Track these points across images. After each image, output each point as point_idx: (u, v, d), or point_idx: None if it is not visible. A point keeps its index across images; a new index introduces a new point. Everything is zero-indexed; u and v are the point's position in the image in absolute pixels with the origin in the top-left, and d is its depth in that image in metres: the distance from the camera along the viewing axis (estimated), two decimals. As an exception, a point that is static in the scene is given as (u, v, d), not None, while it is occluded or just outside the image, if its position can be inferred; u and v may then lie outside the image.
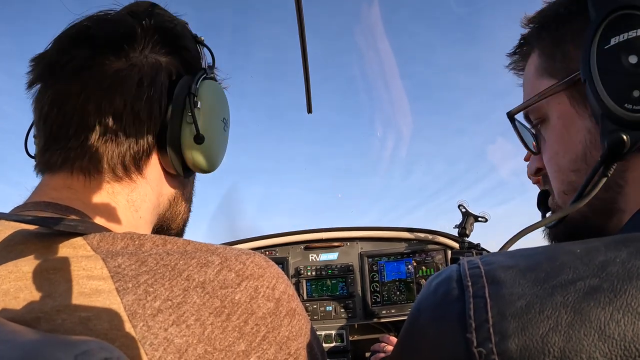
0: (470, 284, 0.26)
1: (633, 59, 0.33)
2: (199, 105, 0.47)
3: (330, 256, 1.61)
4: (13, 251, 0.33)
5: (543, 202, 0.50)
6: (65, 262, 0.32)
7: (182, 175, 0.49)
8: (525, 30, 0.47)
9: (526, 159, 0.53)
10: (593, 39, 0.35)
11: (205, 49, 0.52)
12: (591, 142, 0.39)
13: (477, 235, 1.44)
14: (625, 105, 0.33)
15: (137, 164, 0.44)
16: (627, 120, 0.33)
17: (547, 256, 0.27)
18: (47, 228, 0.34)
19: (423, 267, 1.57)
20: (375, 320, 1.55)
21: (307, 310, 1.54)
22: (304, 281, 1.58)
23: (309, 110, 1.28)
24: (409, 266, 1.57)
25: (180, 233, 0.56)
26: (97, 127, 0.42)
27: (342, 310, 1.55)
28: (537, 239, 0.49)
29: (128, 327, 0.29)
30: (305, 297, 1.56)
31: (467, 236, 1.41)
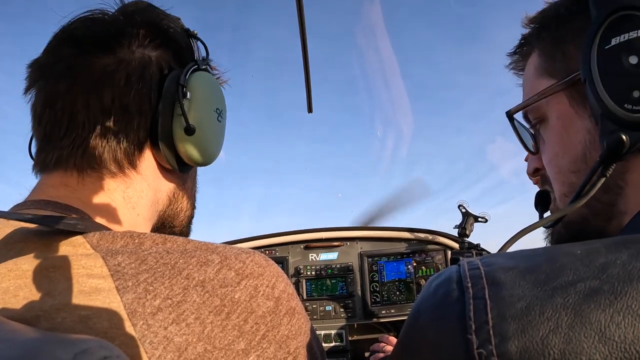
0: (470, 285, 0.26)
1: (633, 60, 0.33)
2: (188, 96, 0.46)
3: (330, 256, 1.61)
4: (13, 249, 0.33)
5: (540, 202, 0.50)
6: (65, 260, 0.32)
7: (177, 170, 0.48)
8: (526, 30, 0.47)
9: (527, 159, 0.53)
10: (594, 39, 0.35)
11: (199, 42, 0.52)
12: (591, 143, 0.39)
13: (477, 235, 1.44)
14: (625, 105, 0.33)
15: (130, 159, 0.44)
16: (626, 120, 0.33)
17: (548, 257, 0.27)
18: (47, 226, 0.34)
19: (423, 267, 1.57)
20: (374, 320, 1.55)
21: (306, 310, 1.54)
22: (304, 281, 1.58)
23: (310, 110, 1.28)
24: (409, 266, 1.57)
25: (185, 231, 0.55)
26: (87, 124, 0.42)
27: (342, 310, 1.55)
28: (538, 240, 0.49)
29: (128, 325, 0.29)
30: (304, 297, 1.56)
31: (467, 236, 1.41)
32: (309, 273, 1.58)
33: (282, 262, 1.60)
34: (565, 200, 0.43)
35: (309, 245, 1.62)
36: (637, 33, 0.33)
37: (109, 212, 0.42)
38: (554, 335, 0.22)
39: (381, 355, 1.08)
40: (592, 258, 0.25)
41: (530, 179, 0.52)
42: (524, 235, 0.40)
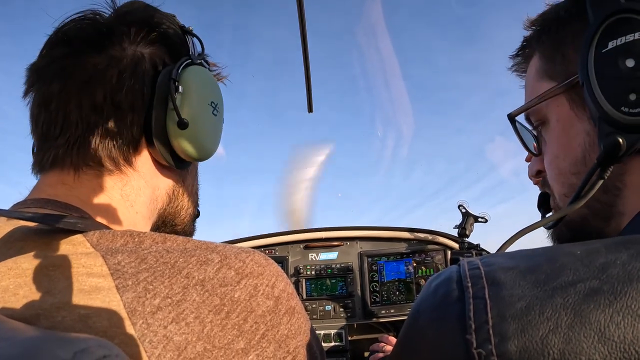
0: (470, 285, 0.26)
1: (630, 63, 0.33)
2: (180, 90, 0.46)
3: (330, 256, 1.61)
4: (12, 248, 0.33)
5: (543, 204, 0.50)
6: (64, 259, 0.32)
7: (174, 166, 0.48)
8: (528, 33, 0.47)
9: (527, 160, 0.53)
10: (591, 42, 0.35)
11: (194, 38, 0.52)
12: (590, 145, 0.39)
13: (477, 235, 1.44)
14: (622, 108, 0.33)
15: (125, 156, 0.44)
16: (623, 123, 0.34)
17: (547, 257, 0.27)
18: (47, 225, 0.34)
19: (423, 268, 1.57)
20: (374, 320, 1.55)
21: (306, 310, 1.54)
22: (304, 280, 1.58)
23: (310, 110, 1.28)
24: (409, 266, 1.57)
25: (188, 230, 0.55)
26: (80, 123, 0.42)
27: (342, 309, 1.55)
28: (538, 240, 0.49)
29: (127, 324, 0.29)
30: (304, 297, 1.56)
31: (467, 237, 1.41)
32: (308, 273, 1.58)
33: (281, 261, 1.60)
34: (566, 200, 0.44)
35: (309, 245, 1.62)
36: (634, 36, 0.33)
37: (108, 210, 0.43)
38: (553, 335, 0.23)
39: (381, 355, 1.08)
40: (592, 258, 0.25)
41: (532, 180, 0.53)
42: (524, 235, 0.40)
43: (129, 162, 0.44)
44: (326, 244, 1.62)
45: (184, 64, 0.47)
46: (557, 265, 0.26)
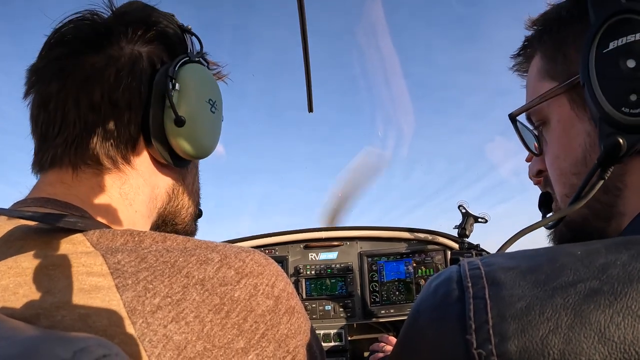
0: (470, 285, 0.26)
1: (631, 63, 0.33)
2: (177, 87, 0.46)
3: (330, 255, 1.61)
4: (12, 247, 0.33)
5: (544, 204, 0.50)
6: (64, 258, 0.32)
7: (172, 165, 0.48)
8: (529, 32, 0.47)
9: (528, 160, 0.53)
10: (592, 42, 0.35)
11: (193, 37, 0.52)
12: (591, 146, 0.39)
13: (477, 235, 1.44)
14: (623, 109, 0.33)
15: (123, 154, 0.44)
16: (623, 123, 0.34)
17: (548, 258, 0.27)
18: (47, 224, 0.34)
19: (422, 268, 1.57)
20: (374, 320, 1.55)
21: (306, 309, 1.54)
22: (303, 280, 1.58)
23: (310, 109, 1.28)
24: (409, 266, 1.57)
25: (189, 229, 0.55)
26: (77, 122, 0.42)
27: (341, 309, 1.55)
28: (538, 240, 0.49)
29: (127, 323, 0.29)
30: (304, 296, 1.56)
31: (467, 237, 1.41)
32: (308, 272, 1.58)
33: (281, 261, 1.60)
34: (567, 200, 0.44)
35: (309, 245, 1.62)
36: (635, 36, 0.33)
37: (106, 208, 0.43)
38: (553, 336, 0.23)
39: (380, 355, 1.08)
40: (592, 259, 0.25)
41: (532, 180, 0.52)
42: (524, 235, 0.40)
43: (127, 161, 0.44)
44: (326, 243, 1.62)
45: (181, 62, 0.47)
46: (557, 265, 0.26)
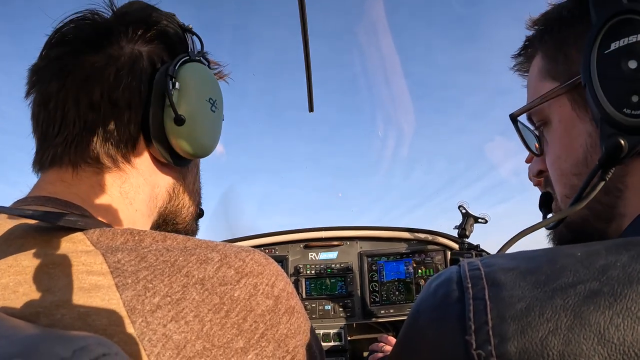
0: (470, 285, 0.26)
1: (632, 64, 0.33)
2: (177, 86, 0.46)
3: (330, 255, 1.61)
4: (12, 245, 0.33)
5: (545, 204, 0.50)
6: (64, 257, 0.32)
7: (173, 164, 0.48)
8: (530, 32, 0.47)
9: (527, 161, 0.53)
10: (593, 43, 0.35)
11: (194, 36, 0.52)
12: (592, 146, 0.39)
13: (477, 235, 1.44)
14: (624, 110, 0.33)
15: (123, 153, 0.44)
16: (625, 125, 0.33)
17: (548, 259, 0.27)
18: (48, 223, 0.34)
19: (422, 268, 1.57)
20: (373, 320, 1.55)
21: (305, 309, 1.54)
22: (303, 280, 1.58)
23: (311, 109, 1.28)
24: (409, 266, 1.57)
25: (190, 229, 0.55)
26: (77, 121, 0.42)
27: (341, 309, 1.55)
28: (539, 241, 0.49)
29: (127, 322, 0.29)
30: (304, 296, 1.57)
31: (467, 237, 1.41)
32: (308, 272, 1.58)
33: (281, 261, 1.60)
34: (567, 201, 0.44)
35: (309, 245, 1.62)
36: (637, 37, 0.33)
37: (107, 207, 0.43)
38: (553, 337, 0.22)
39: (380, 355, 1.08)
40: (592, 260, 0.25)
41: (533, 180, 0.52)
42: (525, 235, 0.40)
43: (127, 160, 0.44)
44: (326, 243, 1.62)
45: (181, 61, 0.47)
46: (557, 266, 0.26)
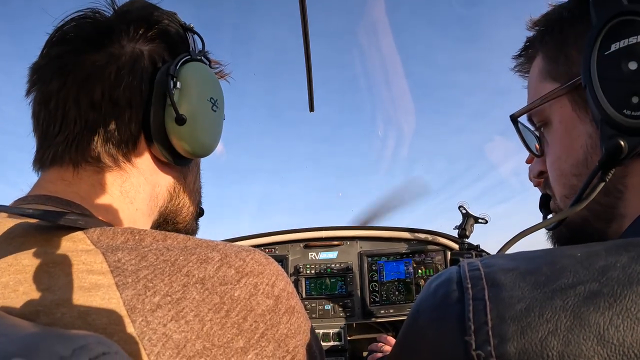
0: (470, 286, 0.26)
1: (633, 65, 0.33)
2: (178, 86, 0.46)
3: (330, 255, 1.61)
4: (13, 244, 0.33)
5: (545, 205, 0.50)
6: (65, 256, 0.32)
7: (173, 163, 0.48)
8: (530, 33, 0.47)
9: (528, 162, 0.53)
10: (594, 44, 0.35)
11: (195, 35, 0.52)
12: (592, 147, 0.39)
13: (477, 236, 1.44)
14: (624, 111, 0.33)
15: (124, 152, 0.44)
16: (625, 126, 0.33)
17: (548, 259, 0.27)
18: (48, 221, 0.34)
19: (422, 268, 1.57)
20: (373, 320, 1.55)
21: (305, 309, 1.54)
22: (303, 279, 1.58)
23: (311, 109, 1.28)
24: (409, 266, 1.57)
25: (190, 228, 0.55)
26: (78, 120, 0.42)
27: (341, 309, 1.55)
28: (539, 241, 0.49)
29: (127, 322, 0.29)
30: (304, 296, 1.57)
31: (467, 237, 1.41)
32: (308, 272, 1.58)
33: (281, 260, 1.60)
34: (567, 202, 0.44)
35: (309, 244, 1.62)
36: (637, 38, 0.33)
37: (107, 206, 0.43)
38: (552, 337, 0.22)
39: (379, 355, 1.08)
40: (592, 261, 0.25)
41: (533, 181, 0.52)
42: (525, 236, 0.40)
43: (128, 159, 0.44)
44: (326, 243, 1.62)
45: (182, 60, 0.47)
46: (557, 267, 0.26)
